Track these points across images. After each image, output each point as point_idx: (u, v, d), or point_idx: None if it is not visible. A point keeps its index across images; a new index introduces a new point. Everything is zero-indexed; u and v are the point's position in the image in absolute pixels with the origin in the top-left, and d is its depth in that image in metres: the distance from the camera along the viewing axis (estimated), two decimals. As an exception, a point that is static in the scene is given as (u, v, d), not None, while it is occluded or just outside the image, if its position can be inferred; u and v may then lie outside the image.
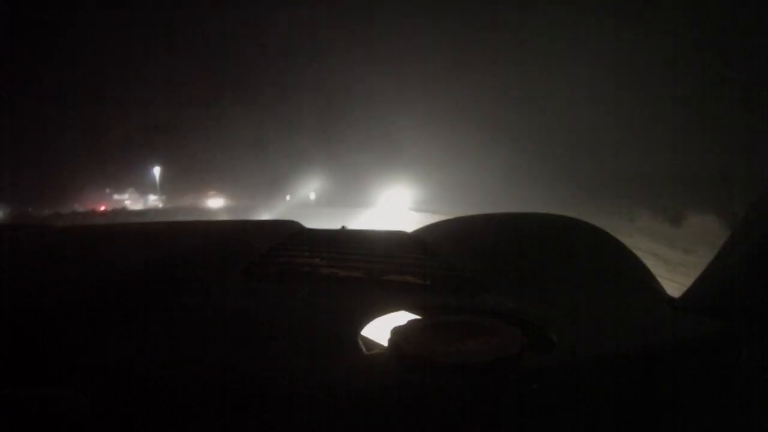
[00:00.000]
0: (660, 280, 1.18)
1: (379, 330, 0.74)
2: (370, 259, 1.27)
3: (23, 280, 0.86)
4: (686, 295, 0.94)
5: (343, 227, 2.34)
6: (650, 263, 1.22)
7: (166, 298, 0.85)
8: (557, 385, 0.59)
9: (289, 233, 1.83)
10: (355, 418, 0.53)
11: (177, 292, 0.89)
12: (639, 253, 1.28)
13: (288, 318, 0.82)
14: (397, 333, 0.67)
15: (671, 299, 1.02)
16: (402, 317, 0.79)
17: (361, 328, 0.74)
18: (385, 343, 0.67)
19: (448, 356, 0.59)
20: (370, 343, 0.69)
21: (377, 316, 0.78)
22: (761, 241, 0.82)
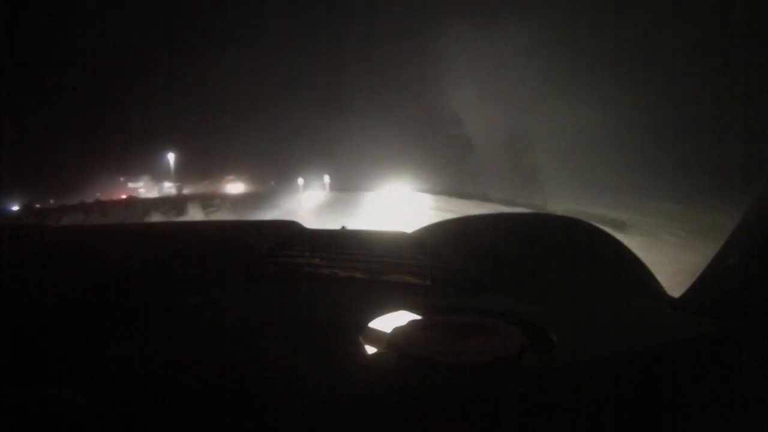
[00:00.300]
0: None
1: (380, 330, 0.74)
2: (370, 259, 1.27)
3: (23, 280, 0.86)
4: (686, 295, 0.94)
5: (343, 227, 2.34)
6: None
7: (166, 298, 0.85)
8: (557, 385, 0.59)
9: (289, 233, 1.83)
10: (355, 418, 0.53)
11: (177, 292, 0.89)
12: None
13: (288, 318, 0.82)
14: (398, 333, 0.67)
15: (671, 299, 1.02)
16: (402, 317, 0.79)
17: (362, 328, 0.74)
18: (386, 344, 0.67)
19: (448, 356, 0.59)
20: (370, 343, 0.69)
21: (377, 316, 0.78)
22: (761, 241, 0.82)
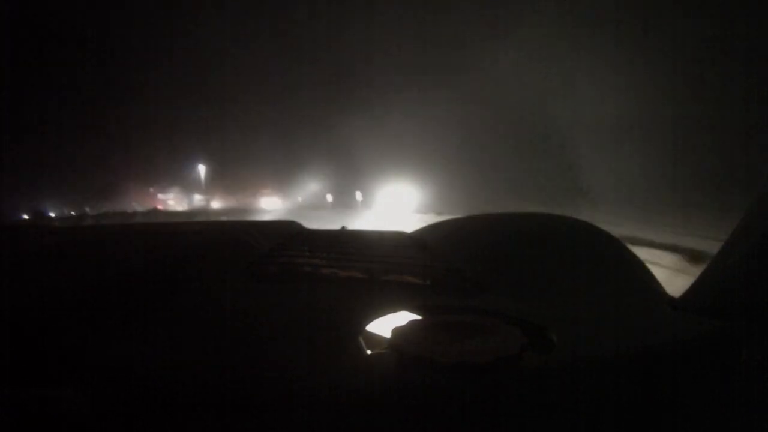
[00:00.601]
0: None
1: (380, 330, 0.74)
2: (370, 259, 1.27)
3: (23, 280, 0.86)
4: (686, 295, 0.94)
5: (343, 227, 2.34)
6: None
7: (166, 298, 0.85)
8: (557, 385, 0.59)
9: (289, 233, 1.83)
10: (356, 418, 0.53)
11: (177, 292, 0.89)
12: None
13: (288, 318, 0.82)
14: (398, 333, 0.67)
15: (671, 299, 1.02)
16: (402, 317, 0.79)
17: (362, 328, 0.74)
18: (386, 344, 0.67)
19: (448, 356, 0.59)
20: (370, 343, 0.69)
21: (378, 316, 0.78)
22: (761, 241, 0.82)
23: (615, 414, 0.57)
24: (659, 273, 1.22)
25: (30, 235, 1.55)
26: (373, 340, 0.71)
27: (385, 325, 0.75)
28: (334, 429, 0.52)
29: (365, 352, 0.66)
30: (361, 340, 0.69)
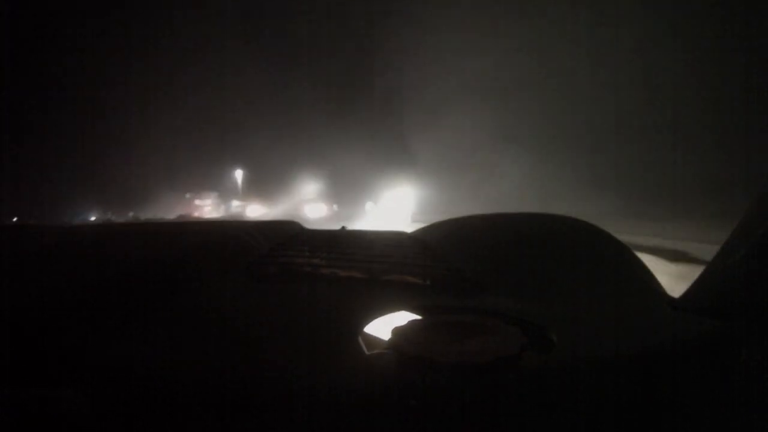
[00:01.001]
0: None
1: (380, 330, 0.74)
2: (370, 259, 1.27)
3: (23, 280, 0.86)
4: (686, 295, 0.94)
5: (343, 227, 2.34)
6: None
7: (166, 298, 0.85)
8: (557, 385, 0.59)
9: (289, 233, 1.83)
10: (355, 418, 0.53)
11: (177, 292, 0.89)
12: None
13: (288, 318, 0.82)
14: (398, 333, 0.67)
15: (671, 299, 1.02)
16: (402, 317, 0.79)
17: (362, 327, 0.74)
18: (386, 343, 0.67)
19: (448, 356, 0.59)
20: (370, 343, 0.69)
21: (378, 316, 0.78)
22: (761, 241, 0.82)
23: (615, 414, 0.57)
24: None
25: (30, 235, 1.55)
26: (373, 340, 0.71)
27: (385, 325, 0.75)
28: (334, 429, 0.52)
29: (365, 352, 0.66)
30: (361, 340, 0.69)
